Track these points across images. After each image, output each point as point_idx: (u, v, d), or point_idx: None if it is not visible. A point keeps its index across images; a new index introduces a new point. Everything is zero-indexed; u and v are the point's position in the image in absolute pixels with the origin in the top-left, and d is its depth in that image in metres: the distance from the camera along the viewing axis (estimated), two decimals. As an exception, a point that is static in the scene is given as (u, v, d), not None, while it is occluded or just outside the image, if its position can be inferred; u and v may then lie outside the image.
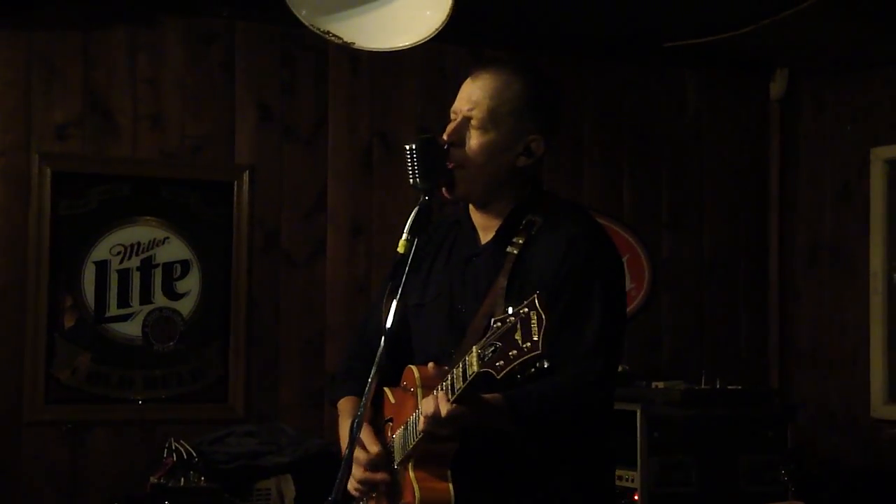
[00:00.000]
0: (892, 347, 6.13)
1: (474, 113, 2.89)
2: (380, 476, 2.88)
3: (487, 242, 2.95)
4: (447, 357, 2.80)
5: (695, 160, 6.61)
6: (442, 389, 2.65)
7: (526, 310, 2.44)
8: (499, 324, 2.49)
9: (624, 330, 2.96)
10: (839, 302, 6.41)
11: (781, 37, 5.82)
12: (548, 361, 2.44)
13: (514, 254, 2.86)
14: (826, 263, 6.48)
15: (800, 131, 6.63)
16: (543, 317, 2.41)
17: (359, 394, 2.91)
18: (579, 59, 6.37)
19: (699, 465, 5.43)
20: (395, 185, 5.85)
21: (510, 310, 2.49)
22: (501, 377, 2.46)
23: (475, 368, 2.51)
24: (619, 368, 5.56)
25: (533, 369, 2.45)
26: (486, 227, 2.97)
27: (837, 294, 6.42)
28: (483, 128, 2.89)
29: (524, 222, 2.90)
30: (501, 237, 2.91)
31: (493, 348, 2.47)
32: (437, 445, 2.70)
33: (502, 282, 2.82)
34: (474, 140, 2.89)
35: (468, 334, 2.80)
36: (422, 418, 2.67)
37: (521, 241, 2.87)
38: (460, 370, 2.58)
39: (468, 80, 2.96)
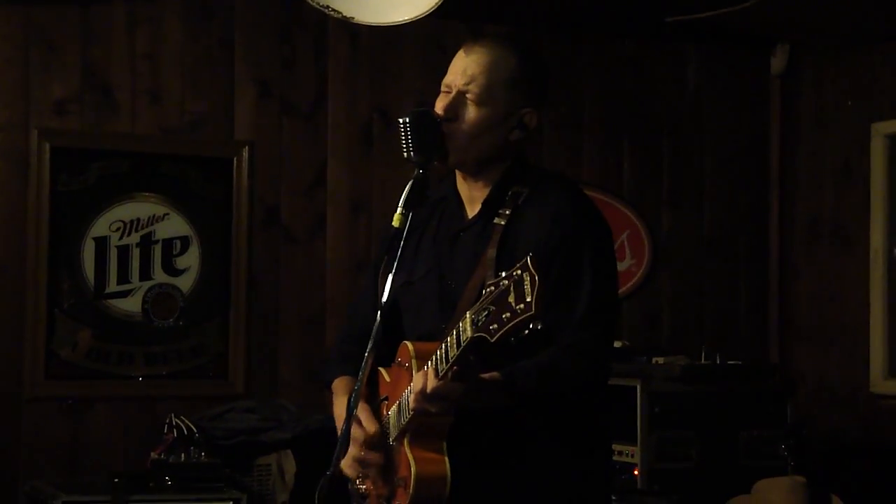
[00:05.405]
0: (891, 323, 6.12)
1: (471, 87, 2.87)
2: (375, 456, 2.86)
3: (475, 216, 2.94)
4: (439, 333, 2.76)
5: (695, 136, 6.59)
6: (434, 361, 2.64)
7: (519, 272, 2.41)
8: (492, 287, 2.47)
9: (616, 297, 2.96)
10: (839, 278, 6.39)
11: (782, 12, 5.79)
12: (541, 324, 2.41)
13: (501, 225, 2.86)
14: (826, 239, 6.47)
15: (800, 107, 6.60)
16: (536, 278, 2.38)
17: (352, 374, 2.91)
18: (579, 35, 6.35)
19: (699, 440, 5.44)
20: (395, 160, 5.75)
21: (503, 273, 2.47)
22: (496, 340, 2.43)
23: (469, 334, 2.49)
24: (619, 344, 5.67)
25: (527, 331, 2.41)
26: (473, 200, 2.96)
27: (837, 270, 6.41)
28: (480, 102, 2.87)
29: (510, 193, 2.89)
30: (488, 209, 2.90)
31: (486, 312, 2.45)
32: (431, 420, 2.68)
33: (491, 253, 2.81)
34: (471, 115, 2.88)
35: (459, 308, 2.78)
36: (412, 395, 2.66)
37: (507, 213, 2.87)
38: (454, 337, 2.56)
39: (461, 54, 2.93)
